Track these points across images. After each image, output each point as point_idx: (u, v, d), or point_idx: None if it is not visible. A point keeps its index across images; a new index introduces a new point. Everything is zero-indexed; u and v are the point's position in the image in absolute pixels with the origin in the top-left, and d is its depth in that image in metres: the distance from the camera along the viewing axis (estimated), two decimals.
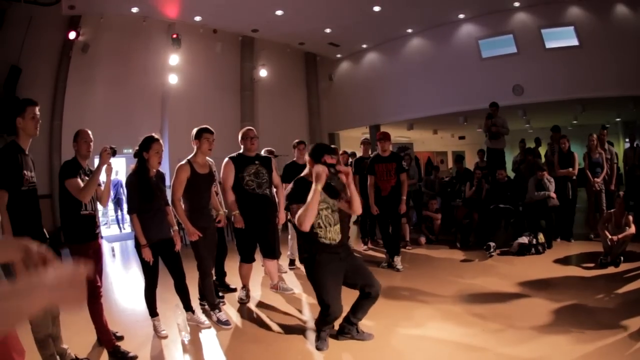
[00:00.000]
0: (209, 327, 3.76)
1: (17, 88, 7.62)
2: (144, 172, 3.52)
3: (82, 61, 8.98)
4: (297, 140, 5.98)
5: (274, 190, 4.56)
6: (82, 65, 8.99)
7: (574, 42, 9.65)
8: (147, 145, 3.51)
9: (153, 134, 3.57)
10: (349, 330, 3.44)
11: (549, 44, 9.98)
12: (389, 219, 5.69)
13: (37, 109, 2.74)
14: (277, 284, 4.82)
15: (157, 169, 3.66)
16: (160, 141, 3.59)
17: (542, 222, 6.48)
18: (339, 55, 13.94)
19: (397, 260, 5.61)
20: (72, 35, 8.52)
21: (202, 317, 3.86)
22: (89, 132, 3.35)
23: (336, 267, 3.15)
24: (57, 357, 2.87)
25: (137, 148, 3.54)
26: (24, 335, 2.67)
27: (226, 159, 4.31)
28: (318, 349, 3.26)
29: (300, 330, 3.72)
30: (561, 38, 9.84)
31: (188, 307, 3.87)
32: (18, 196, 2.61)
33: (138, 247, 3.51)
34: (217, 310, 3.95)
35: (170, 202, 3.82)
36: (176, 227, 3.81)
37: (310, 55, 13.96)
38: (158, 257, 3.62)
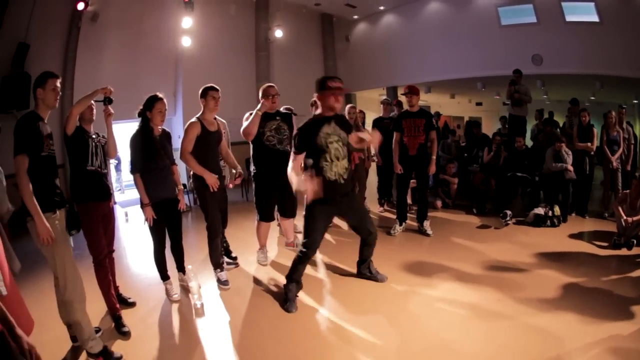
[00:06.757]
0: (194, 292, 3.72)
1: (26, 64, 7.44)
2: (147, 130, 3.56)
3: (92, 30, 8.69)
4: (314, 99, 5.96)
5: None
6: (92, 34, 8.70)
7: (594, 18, 9.33)
8: (151, 104, 3.54)
9: (157, 94, 3.58)
10: (362, 269, 3.97)
11: (569, 18, 9.68)
12: (417, 180, 5.55)
13: (58, 81, 2.74)
14: (293, 241, 4.95)
15: (161, 127, 3.67)
16: (164, 100, 3.60)
17: (558, 195, 6.43)
18: (355, 17, 13.60)
19: (427, 224, 5.60)
20: (80, 6, 8.17)
21: (192, 281, 3.77)
22: None
23: (329, 210, 3.46)
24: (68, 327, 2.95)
25: (141, 107, 3.57)
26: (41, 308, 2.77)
27: (247, 114, 4.29)
28: (287, 310, 3.42)
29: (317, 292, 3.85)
30: (581, 13, 9.55)
31: (180, 268, 4.01)
32: (38, 161, 2.65)
33: (142, 207, 3.58)
34: (218, 270, 4.06)
35: (180, 158, 3.80)
36: (181, 187, 3.85)
37: (326, 16, 13.70)
38: (163, 217, 3.65)
